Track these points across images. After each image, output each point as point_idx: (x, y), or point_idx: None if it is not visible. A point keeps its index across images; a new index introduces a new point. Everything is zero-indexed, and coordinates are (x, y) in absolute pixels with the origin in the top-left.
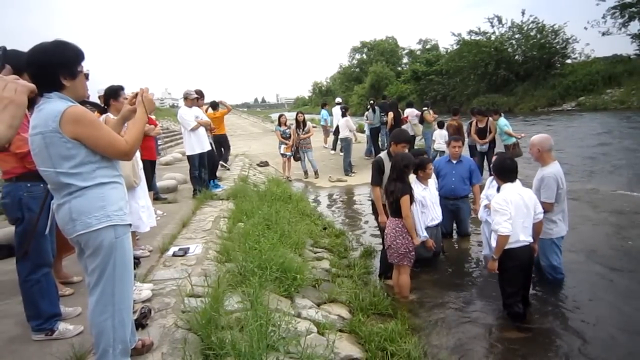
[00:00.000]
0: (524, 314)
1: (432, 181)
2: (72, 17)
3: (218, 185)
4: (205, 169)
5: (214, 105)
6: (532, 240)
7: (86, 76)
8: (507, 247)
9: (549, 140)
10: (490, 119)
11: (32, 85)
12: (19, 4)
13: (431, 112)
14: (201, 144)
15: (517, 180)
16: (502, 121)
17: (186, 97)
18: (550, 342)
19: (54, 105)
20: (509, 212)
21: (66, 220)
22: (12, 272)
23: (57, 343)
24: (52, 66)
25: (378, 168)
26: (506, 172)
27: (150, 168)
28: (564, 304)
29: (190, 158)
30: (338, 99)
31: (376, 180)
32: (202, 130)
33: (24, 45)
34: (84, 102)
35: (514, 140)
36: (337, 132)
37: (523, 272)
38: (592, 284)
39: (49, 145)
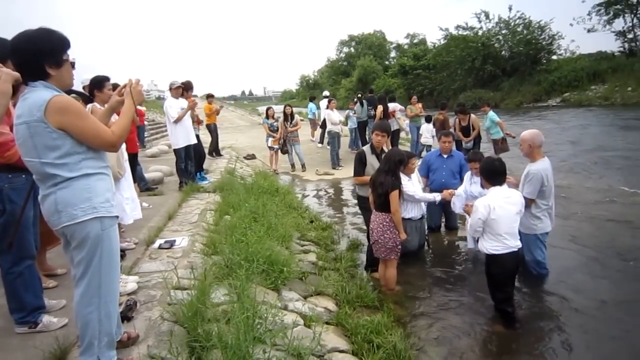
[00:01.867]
0: (513, 313)
1: (416, 176)
2: (55, 7)
3: (205, 177)
4: (191, 162)
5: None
6: (520, 245)
7: (72, 65)
8: (495, 253)
9: (540, 136)
10: (473, 116)
11: (17, 74)
12: None
13: (419, 105)
14: (187, 136)
15: (505, 184)
16: (491, 114)
17: (170, 88)
18: (534, 334)
19: (39, 94)
20: (485, 219)
21: (51, 212)
22: None
23: (41, 336)
24: (37, 54)
25: (359, 160)
26: (495, 174)
27: (131, 160)
28: (548, 298)
29: (176, 151)
30: (325, 92)
31: (358, 172)
32: (188, 122)
33: (8, 35)
34: (70, 91)
35: (502, 135)
36: (324, 125)
37: (511, 277)
38: (576, 279)
39: (34, 135)
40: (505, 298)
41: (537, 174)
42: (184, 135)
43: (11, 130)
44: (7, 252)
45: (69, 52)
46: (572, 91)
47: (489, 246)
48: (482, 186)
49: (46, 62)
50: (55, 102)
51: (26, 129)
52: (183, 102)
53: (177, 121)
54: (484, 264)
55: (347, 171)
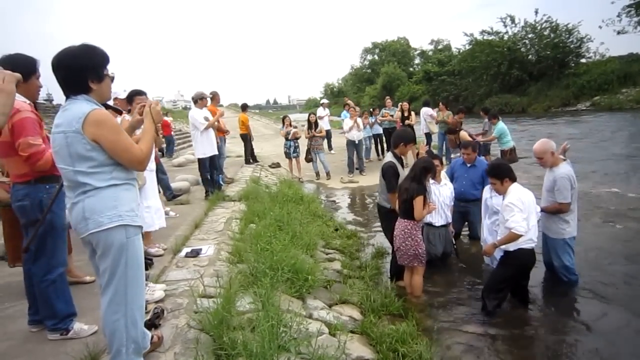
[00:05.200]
0: (493, 312)
1: (445, 182)
2: (86, 21)
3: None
4: (216, 171)
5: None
6: (536, 242)
7: (112, 79)
8: (518, 246)
9: (551, 141)
10: (462, 133)
11: (19, 75)
12: (34, 10)
13: (446, 113)
14: (212, 145)
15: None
16: (500, 125)
17: (196, 99)
18: (565, 344)
19: (79, 107)
20: (526, 211)
21: (79, 219)
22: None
23: (72, 342)
24: (82, 70)
25: (395, 173)
26: (511, 171)
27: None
28: (579, 307)
29: (200, 160)
30: (324, 101)
31: (395, 187)
32: (212, 132)
33: (40, 50)
34: (106, 106)
35: (511, 145)
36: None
37: (523, 274)
38: (602, 288)
39: (70, 145)
40: (500, 289)
41: (564, 176)
42: (209, 145)
43: (43, 141)
44: (37, 259)
45: (108, 66)
46: (602, 95)
47: (520, 240)
48: (498, 193)
49: (90, 77)
50: (93, 115)
51: (64, 138)
52: (207, 112)
53: (205, 129)
54: (503, 263)
55: (371, 179)
